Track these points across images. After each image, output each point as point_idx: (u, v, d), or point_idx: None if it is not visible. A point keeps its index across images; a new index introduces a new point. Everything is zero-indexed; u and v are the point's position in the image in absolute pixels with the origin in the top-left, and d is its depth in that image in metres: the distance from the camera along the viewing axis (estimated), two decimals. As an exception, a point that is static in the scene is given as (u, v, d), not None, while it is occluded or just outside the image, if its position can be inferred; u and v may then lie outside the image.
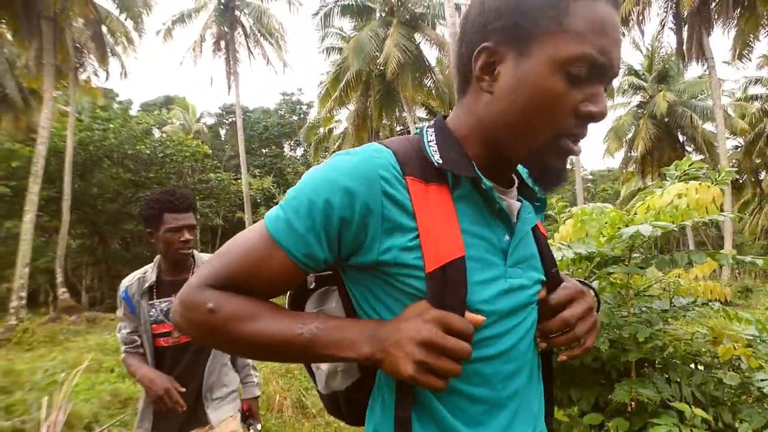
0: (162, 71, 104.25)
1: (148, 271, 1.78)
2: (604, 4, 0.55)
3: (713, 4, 13.68)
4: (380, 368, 0.59)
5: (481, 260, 0.61)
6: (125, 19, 15.76)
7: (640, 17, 14.01)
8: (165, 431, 1.72)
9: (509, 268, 0.64)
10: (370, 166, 0.58)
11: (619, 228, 1.70)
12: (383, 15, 16.63)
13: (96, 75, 16.79)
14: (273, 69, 23.63)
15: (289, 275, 0.62)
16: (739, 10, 13.67)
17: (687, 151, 20.43)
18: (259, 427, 1.90)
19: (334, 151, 20.72)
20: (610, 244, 1.75)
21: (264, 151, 28.45)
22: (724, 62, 16.52)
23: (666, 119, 18.80)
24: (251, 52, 19.82)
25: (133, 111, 24.03)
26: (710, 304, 2.14)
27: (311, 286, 0.73)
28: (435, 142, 0.63)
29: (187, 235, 1.69)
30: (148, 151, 18.21)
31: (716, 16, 13.85)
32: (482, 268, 0.61)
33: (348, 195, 0.57)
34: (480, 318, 0.59)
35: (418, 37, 16.24)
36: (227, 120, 31.44)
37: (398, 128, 20.48)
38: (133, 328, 1.74)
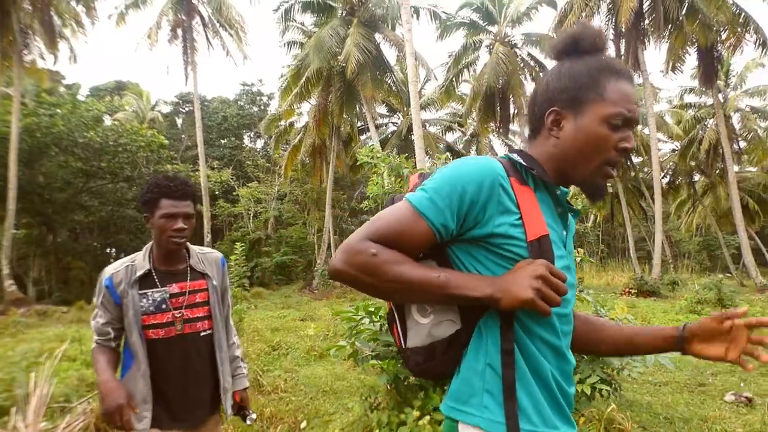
0: (113, 56, 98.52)
1: (138, 260, 1.69)
2: (625, 83, 0.88)
3: (647, 21, 15.11)
4: (497, 306, 0.81)
5: (554, 242, 0.87)
6: (77, 4, 15.38)
7: (584, 29, 15.25)
8: (174, 424, 1.67)
9: (567, 254, 0.92)
10: (493, 168, 0.85)
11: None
12: (344, 14, 16.92)
13: (42, 58, 16.31)
14: (233, 61, 23.38)
15: (425, 240, 0.85)
16: (670, 27, 15.17)
17: (639, 150, 22.20)
18: (254, 416, 1.91)
19: (295, 145, 21.06)
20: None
21: (223, 141, 28.05)
22: (660, 71, 18.12)
23: (609, 123, 20.38)
24: (210, 43, 19.54)
25: (82, 96, 23.14)
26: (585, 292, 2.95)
27: (420, 256, 0.93)
28: (524, 160, 0.91)
29: (181, 224, 1.63)
30: (99, 140, 17.68)
31: (650, 32, 15.30)
32: (556, 248, 0.87)
33: (479, 185, 0.83)
34: (563, 274, 0.82)
35: (378, 37, 16.70)
36: (184, 109, 30.70)
37: (359, 124, 20.78)
38: (110, 318, 1.64)
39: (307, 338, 7.27)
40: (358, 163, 4.58)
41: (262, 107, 29.09)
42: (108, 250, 23.88)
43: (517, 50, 18.04)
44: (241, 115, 27.93)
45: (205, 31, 19.38)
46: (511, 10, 17.48)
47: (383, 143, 21.44)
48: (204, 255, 1.83)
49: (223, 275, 1.85)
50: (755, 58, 17.86)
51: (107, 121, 20.65)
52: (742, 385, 4.95)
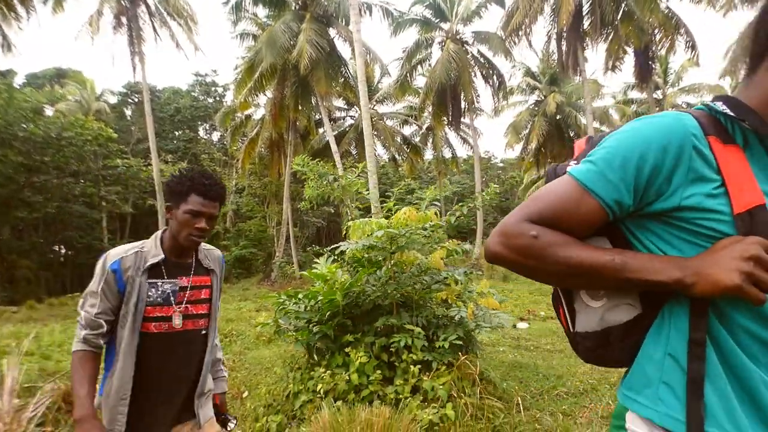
0: (54, 45, 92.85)
1: (148, 247, 1.63)
2: None
3: (585, 24, 16.46)
4: (688, 292, 0.71)
5: None
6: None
7: (528, 29, 16.48)
8: (151, 427, 1.62)
9: None
10: (683, 126, 0.73)
11: (373, 231, 3.38)
12: (296, 8, 17.30)
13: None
14: (183, 53, 23.00)
15: (594, 218, 0.77)
16: (607, 29, 16.61)
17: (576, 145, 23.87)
18: (235, 422, 1.87)
19: (252, 138, 21.43)
20: (370, 240, 3.42)
21: (177, 134, 27.88)
22: (604, 68, 19.64)
23: (557, 117, 21.94)
24: (157, 33, 19.43)
25: (18, 84, 22.44)
26: (451, 273, 3.88)
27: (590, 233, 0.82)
28: (732, 108, 0.74)
29: (204, 224, 1.60)
30: (41, 133, 17.38)
31: (589, 34, 16.67)
32: None
33: (662, 150, 0.71)
34: None
35: (331, 32, 17.28)
36: (133, 99, 30.15)
37: (317, 116, 21.16)
38: (106, 308, 1.54)
39: (258, 326, 8.05)
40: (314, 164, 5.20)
41: (217, 98, 29.04)
42: (56, 248, 23.50)
43: (468, 47, 19.11)
44: (195, 106, 27.80)
45: (152, 21, 19.24)
46: (461, 8, 18.51)
47: (341, 136, 22.14)
48: (208, 251, 1.80)
49: (221, 273, 1.84)
50: (690, 58, 19.69)
51: (48, 111, 20.25)
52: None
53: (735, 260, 0.67)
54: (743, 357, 0.72)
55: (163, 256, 1.61)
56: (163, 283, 1.61)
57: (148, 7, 19.08)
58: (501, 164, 38.30)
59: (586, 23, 16.58)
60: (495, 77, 19.28)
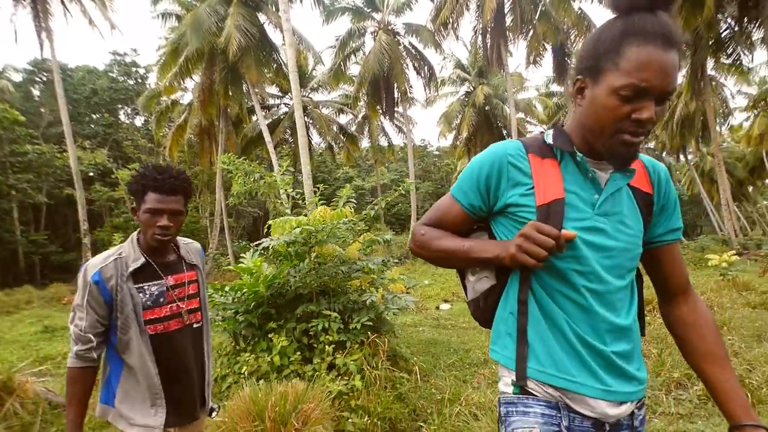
0: None
1: (126, 252, 1.62)
2: (652, 49, 0.85)
3: (508, 21, 17.55)
4: (504, 263, 0.99)
5: (574, 206, 0.99)
6: None
7: (455, 24, 17.28)
8: (178, 421, 1.68)
9: (596, 216, 0.99)
10: (503, 149, 1.04)
11: (293, 228, 3.79)
12: None
13: None
14: (98, 31, 21.19)
15: (461, 218, 1.10)
16: (526, 27, 17.81)
17: (505, 134, 25.44)
18: (218, 409, 1.91)
19: (180, 124, 20.57)
20: (289, 236, 3.83)
21: (94, 117, 26.04)
22: (525, 63, 20.99)
23: (486, 108, 23.20)
24: (66, 8, 17.97)
25: None
26: (367, 263, 4.34)
27: (474, 227, 1.15)
28: (552, 134, 1.04)
29: (166, 221, 1.57)
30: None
31: (511, 31, 17.79)
32: (574, 210, 0.99)
33: (489, 166, 1.04)
34: (571, 233, 0.94)
35: (261, 17, 16.99)
36: (40, 77, 27.63)
37: (249, 103, 20.65)
38: (94, 320, 1.54)
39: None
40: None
41: (139, 80, 27.38)
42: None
43: (399, 38, 19.62)
44: (114, 88, 26.06)
45: (60, -6, 17.77)
46: (392, -1, 18.93)
47: (276, 124, 21.93)
48: (188, 245, 1.82)
49: (203, 265, 1.87)
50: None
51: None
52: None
53: (516, 238, 0.95)
54: (557, 311, 0.99)
55: (143, 259, 1.61)
56: (150, 285, 1.62)
57: (54, -22, 17.57)
58: (437, 152, 39.65)
59: (508, 20, 17.67)
60: (426, 69, 20.00)
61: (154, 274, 1.64)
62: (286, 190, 5.05)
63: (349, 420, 3.16)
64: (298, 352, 3.76)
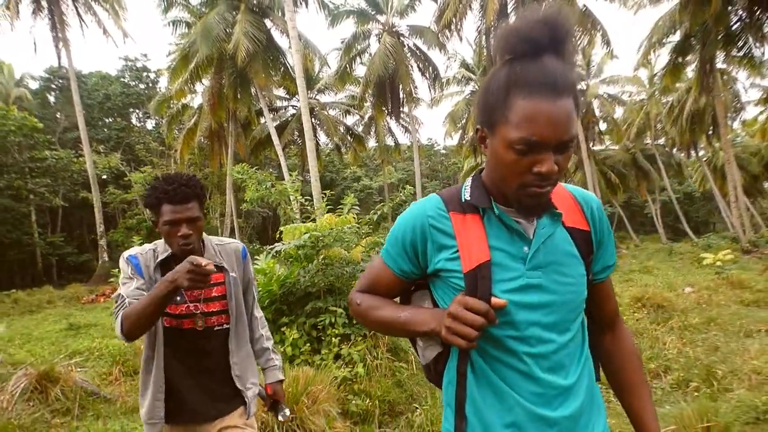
0: None
1: (160, 246, 1.71)
2: (538, 100, 0.79)
3: (511, 21, 17.82)
4: (441, 337, 0.89)
5: (503, 266, 0.91)
6: None
7: (458, 25, 17.65)
8: (194, 415, 1.71)
9: (528, 271, 0.92)
10: (422, 210, 0.99)
11: (302, 234, 4.29)
12: None
13: None
14: (112, 40, 21.90)
15: (395, 283, 1.06)
16: (530, 27, 18.07)
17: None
18: (287, 412, 1.86)
19: (190, 128, 21.19)
20: (299, 241, 4.32)
21: (107, 121, 26.85)
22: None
23: (491, 107, 23.48)
24: (82, 19, 18.73)
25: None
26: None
27: (412, 288, 1.10)
28: (470, 186, 0.99)
29: (185, 230, 1.59)
30: (-45, 124, 16.57)
31: (515, 30, 18.05)
32: (503, 271, 0.91)
33: (411, 230, 0.99)
34: (501, 301, 0.87)
35: (268, 23, 17.49)
36: (56, 84, 28.50)
37: (258, 106, 21.10)
38: (142, 284, 1.61)
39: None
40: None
41: (150, 84, 28.12)
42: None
43: (404, 39, 20.04)
44: (126, 93, 26.83)
45: (75, 6, 18.50)
46: (396, 1, 19.33)
47: (283, 126, 22.49)
48: (222, 246, 1.82)
49: (245, 266, 1.85)
50: (607, 52, 21.74)
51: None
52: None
53: (444, 317, 0.88)
54: (498, 382, 0.93)
55: (169, 252, 1.67)
56: None
57: (70, -10, 18.31)
58: (444, 151, 40.06)
59: (511, 20, 17.94)
60: (431, 69, 20.40)
61: None
62: (296, 197, 5.55)
63: (353, 402, 3.65)
64: (308, 344, 4.25)
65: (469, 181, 1.01)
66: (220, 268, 1.72)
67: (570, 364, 0.95)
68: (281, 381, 1.93)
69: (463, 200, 0.98)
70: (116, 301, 1.64)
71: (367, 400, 3.73)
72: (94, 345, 6.84)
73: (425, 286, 1.07)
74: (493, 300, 0.88)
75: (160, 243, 1.71)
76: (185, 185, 1.61)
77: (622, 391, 1.07)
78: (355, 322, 4.38)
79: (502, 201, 0.94)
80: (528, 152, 0.82)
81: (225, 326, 1.75)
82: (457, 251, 0.94)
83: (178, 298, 1.65)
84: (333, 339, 4.17)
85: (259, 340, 1.90)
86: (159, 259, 1.67)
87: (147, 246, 1.73)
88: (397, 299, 1.12)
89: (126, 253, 1.68)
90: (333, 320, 4.28)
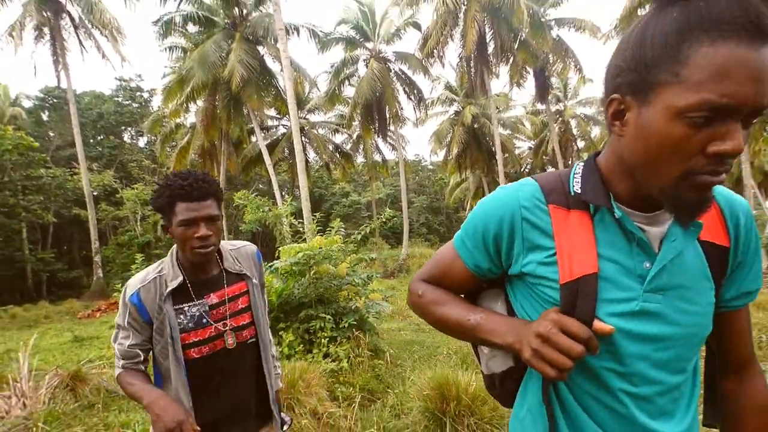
0: None
1: (166, 269, 1.52)
2: (732, 46, 0.56)
3: (490, 49, 19.19)
4: (520, 356, 0.74)
5: (614, 282, 0.72)
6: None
7: (441, 53, 18.93)
8: None
9: (646, 293, 0.72)
10: (515, 199, 0.80)
11: (297, 253, 5.21)
12: (226, 27, 18.20)
13: None
14: (111, 64, 22.75)
15: (466, 278, 0.90)
16: (506, 55, 19.46)
17: (493, 151, 27.06)
18: (289, 420, 1.82)
19: (183, 146, 22.13)
20: (294, 258, 5.25)
21: (100, 139, 27.55)
22: (509, 86, 22.62)
23: (474, 127, 24.80)
24: (82, 45, 19.54)
25: None
26: (353, 278, 5.77)
27: (484, 286, 0.95)
28: (581, 175, 0.77)
29: (204, 230, 1.42)
30: (-49, 143, 17.16)
31: (493, 58, 19.43)
32: (613, 288, 0.72)
33: (498, 222, 0.81)
34: (608, 327, 0.70)
35: (261, 49, 18.55)
36: (50, 103, 29.17)
37: (250, 125, 22.20)
38: (139, 340, 1.48)
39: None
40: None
41: (143, 103, 28.96)
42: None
43: (390, 65, 21.25)
44: (119, 112, 27.61)
45: (77, 33, 19.34)
46: (382, 30, 20.63)
47: (274, 144, 23.46)
48: (237, 251, 1.69)
49: (260, 270, 1.75)
50: (580, 77, 23.19)
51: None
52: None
53: (531, 335, 0.71)
54: (586, 420, 0.77)
55: (181, 278, 1.50)
56: (189, 307, 1.52)
57: (72, 18, 19.12)
58: (431, 167, 41.36)
59: (490, 48, 19.32)
60: (416, 92, 21.60)
61: (195, 293, 1.53)
62: (289, 219, 6.49)
63: (339, 389, 4.55)
64: (302, 345, 5.15)
65: (579, 168, 0.81)
66: (241, 276, 1.63)
67: (677, 410, 0.78)
68: (279, 389, 1.84)
69: (572, 193, 0.79)
70: (114, 338, 1.57)
71: (351, 389, 4.63)
72: (103, 353, 7.62)
73: (500, 284, 0.93)
74: (596, 324, 0.71)
75: (165, 264, 1.55)
76: (202, 180, 1.46)
77: None
78: (341, 326, 5.30)
79: (626, 198, 0.75)
80: (708, 123, 0.60)
81: (254, 338, 1.65)
82: (555, 255, 0.77)
83: (204, 321, 1.53)
84: (322, 340, 5.07)
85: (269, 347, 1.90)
86: (170, 288, 1.49)
87: (151, 270, 1.54)
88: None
89: (128, 290, 1.50)
90: (322, 325, 5.19)
